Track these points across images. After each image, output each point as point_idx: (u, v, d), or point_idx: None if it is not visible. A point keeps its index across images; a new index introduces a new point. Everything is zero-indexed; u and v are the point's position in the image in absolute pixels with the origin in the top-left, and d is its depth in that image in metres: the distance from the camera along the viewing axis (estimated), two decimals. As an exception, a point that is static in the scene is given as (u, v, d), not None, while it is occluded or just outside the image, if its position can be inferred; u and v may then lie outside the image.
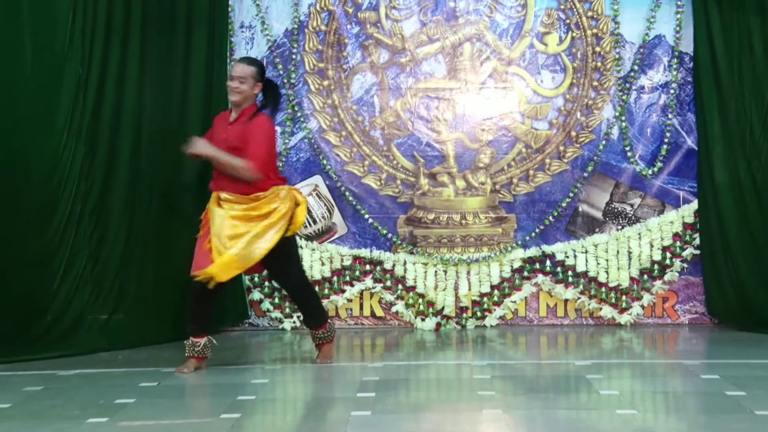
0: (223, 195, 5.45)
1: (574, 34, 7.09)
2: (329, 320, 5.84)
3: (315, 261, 7.07)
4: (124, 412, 4.55)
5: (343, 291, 7.10)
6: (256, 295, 7.08)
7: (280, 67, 7.08)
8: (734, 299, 6.86)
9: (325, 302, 7.04)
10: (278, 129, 7.09)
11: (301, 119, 7.11)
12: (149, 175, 6.58)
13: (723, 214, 6.87)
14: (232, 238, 5.36)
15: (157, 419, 4.48)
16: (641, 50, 7.07)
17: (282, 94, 6.94)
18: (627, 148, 7.07)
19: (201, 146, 5.48)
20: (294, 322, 7.04)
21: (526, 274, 7.10)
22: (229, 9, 7.02)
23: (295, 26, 7.10)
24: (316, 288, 7.01)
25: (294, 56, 7.09)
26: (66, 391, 5.05)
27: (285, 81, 7.08)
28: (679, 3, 7.03)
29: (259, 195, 5.44)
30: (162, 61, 6.68)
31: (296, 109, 7.10)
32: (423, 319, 7.05)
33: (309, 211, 7.08)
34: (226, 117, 5.63)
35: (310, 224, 7.10)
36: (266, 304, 7.08)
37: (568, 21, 7.09)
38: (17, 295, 5.96)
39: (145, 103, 6.57)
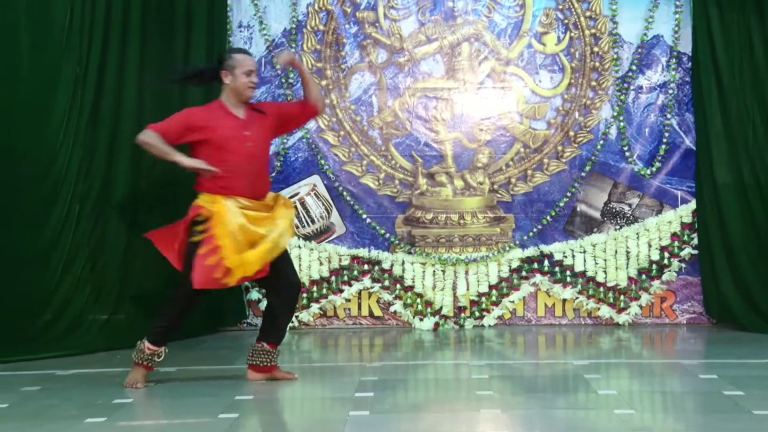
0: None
1: (572, 34, 7.09)
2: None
3: (313, 261, 7.07)
4: (122, 411, 4.54)
5: (342, 291, 7.09)
6: (254, 294, 7.08)
7: (278, 66, 7.07)
8: (734, 298, 6.84)
9: (323, 302, 7.07)
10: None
11: (300, 119, 7.10)
12: (149, 176, 6.56)
13: (724, 213, 6.86)
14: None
15: (155, 419, 4.49)
16: (639, 50, 7.07)
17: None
18: (625, 148, 7.06)
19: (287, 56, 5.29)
20: (292, 322, 7.03)
21: (524, 273, 7.09)
22: (228, 9, 7.02)
23: (294, 26, 7.10)
24: (314, 288, 7.02)
25: (292, 56, 7.09)
26: (64, 391, 5.05)
27: (283, 81, 7.08)
28: (677, 3, 7.03)
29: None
30: (161, 61, 6.66)
31: (294, 108, 7.10)
32: (421, 319, 7.04)
33: (307, 211, 7.08)
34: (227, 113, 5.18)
35: (308, 224, 7.10)
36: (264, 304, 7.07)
37: (566, 21, 7.09)
38: (15, 295, 5.95)
39: (144, 102, 6.55)
